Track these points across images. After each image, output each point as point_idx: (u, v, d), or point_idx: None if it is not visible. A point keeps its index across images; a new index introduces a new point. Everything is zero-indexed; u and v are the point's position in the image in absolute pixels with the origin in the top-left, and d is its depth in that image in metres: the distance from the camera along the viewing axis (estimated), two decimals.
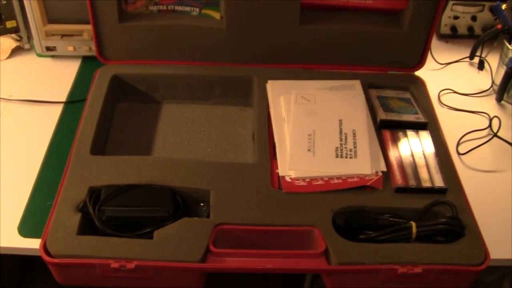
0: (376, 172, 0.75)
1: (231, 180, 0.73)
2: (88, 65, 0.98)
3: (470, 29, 1.10)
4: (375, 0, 0.89)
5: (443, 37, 1.12)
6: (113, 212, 0.67)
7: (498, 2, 0.98)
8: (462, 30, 1.10)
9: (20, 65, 0.99)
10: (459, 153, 0.86)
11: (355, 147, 0.77)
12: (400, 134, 0.81)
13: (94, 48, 0.90)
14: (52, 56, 1.00)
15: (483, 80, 1.01)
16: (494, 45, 1.02)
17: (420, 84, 0.91)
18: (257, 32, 0.88)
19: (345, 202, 0.71)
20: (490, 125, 0.91)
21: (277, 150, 0.77)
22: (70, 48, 0.97)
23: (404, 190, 0.73)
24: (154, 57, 0.90)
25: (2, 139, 0.84)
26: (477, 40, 0.97)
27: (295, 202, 0.71)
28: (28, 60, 1.00)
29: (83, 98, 0.87)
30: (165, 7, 0.89)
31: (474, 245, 0.68)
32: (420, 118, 0.84)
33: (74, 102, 0.91)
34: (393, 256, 0.66)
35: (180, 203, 0.70)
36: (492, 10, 1.04)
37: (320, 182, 0.73)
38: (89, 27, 0.88)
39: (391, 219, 0.70)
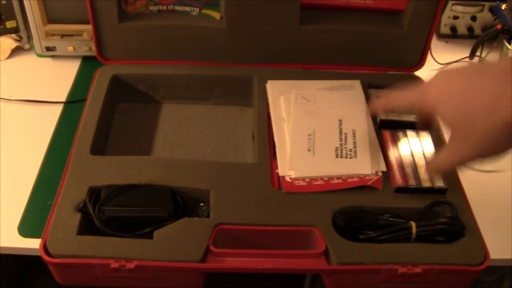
0: (376, 172, 0.75)
1: (231, 180, 0.73)
2: (88, 65, 0.98)
3: (470, 29, 1.10)
4: (375, 0, 0.89)
5: (443, 37, 1.12)
6: (113, 212, 0.67)
7: (498, 2, 0.98)
8: (462, 30, 1.10)
9: (20, 65, 0.99)
10: None
11: (355, 147, 0.77)
12: (400, 134, 0.81)
13: (94, 48, 0.90)
14: (52, 56, 1.00)
15: None
16: (494, 45, 1.02)
17: (420, 84, 0.91)
18: (257, 32, 0.88)
19: (345, 202, 0.71)
20: None
21: (277, 150, 0.77)
22: (70, 48, 0.97)
23: (404, 190, 0.73)
24: (154, 57, 0.90)
25: (2, 139, 0.84)
26: (477, 40, 0.97)
27: (295, 202, 0.71)
28: (28, 60, 1.00)
29: (83, 98, 0.87)
30: (165, 7, 0.89)
31: (474, 245, 0.68)
32: None
33: (74, 102, 0.91)
34: (393, 256, 0.66)
35: (180, 203, 0.70)
36: (492, 10, 1.04)
37: (320, 182, 0.74)
38: (89, 27, 0.88)
39: (391, 219, 0.70)
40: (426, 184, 0.74)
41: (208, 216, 0.69)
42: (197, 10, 0.89)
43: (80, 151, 0.75)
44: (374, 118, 0.83)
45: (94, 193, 0.70)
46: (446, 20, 1.09)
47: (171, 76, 0.89)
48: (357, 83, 0.88)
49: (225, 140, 0.85)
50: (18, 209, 0.74)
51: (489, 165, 0.85)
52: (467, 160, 0.57)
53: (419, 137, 0.81)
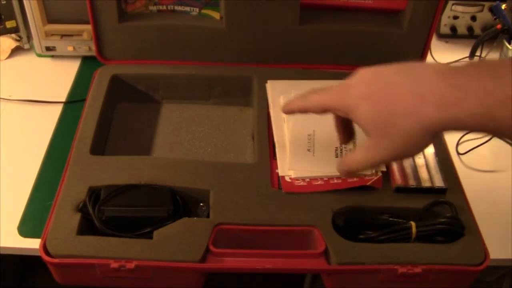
0: (376, 172, 0.75)
1: (231, 180, 0.73)
2: (88, 65, 0.98)
3: (470, 29, 1.10)
4: (375, 0, 0.89)
5: (443, 37, 1.12)
6: (112, 212, 0.67)
7: (498, 2, 0.98)
8: (461, 30, 1.10)
9: (20, 65, 0.99)
10: (459, 153, 0.86)
11: (354, 147, 0.77)
12: None
13: (94, 48, 0.90)
14: (52, 56, 1.00)
15: None
16: (494, 45, 1.02)
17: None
18: (257, 32, 0.88)
19: (345, 202, 0.71)
20: None
21: (276, 150, 0.77)
22: (70, 48, 0.97)
23: (404, 190, 0.73)
24: (154, 57, 0.90)
25: (2, 139, 0.84)
26: (477, 40, 0.97)
27: (295, 202, 0.71)
28: (27, 60, 1.00)
29: (83, 98, 0.87)
30: (164, 7, 0.89)
31: (474, 245, 0.68)
32: None
33: (74, 102, 0.91)
34: (393, 256, 0.66)
35: (180, 203, 0.70)
36: (492, 10, 1.04)
37: (319, 182, 0.74)
38: (88, 27, 0.88)
39: (390, 219, 0.70)
40: (426, 184, 0.74)
41: (208, 216, 0.69)
42: (197, 10, 0.89)
43: (80, 151, 0.75)
44: None
45: (94, 193, 0.70)
46: (446, 20, 1.09)
47: (170, 76, 0.89)
48: None
49: (225, 140, 0.85)
50: (18, 209, 0.74)
51: (489, 165, 0.85)
52: (381, 163, 0.57)
53: None
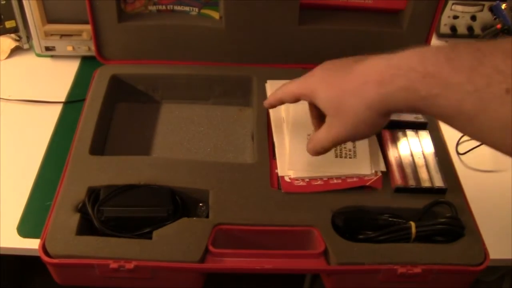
0: (376, 172, 0.75)
1: (230, 180, 0.73)
2: (88, 65, 0.98)
3: (470, 28, 1.09)
4: (375, 0, 0.89)
5: (443, 37, 1.12)
6: (112, 212, 0.67)
7: (498, 1, 0.98)
8: (461, 29, 1.10)
9: (19, 65, 0.99)
10: (458, 153, 0.86)
11: (354, 147, 0.77)
12: (400, 134, 0.81)
13: (93, 48, 0.90)
14: (52, 56, 1.00)
15: None
16: None
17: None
18: (256, 32, 0.88)
19: (345, 202, 0.71)
20: None
21: (276, 150, 0.77)
22: (69, 48, 0.97)
23: (404, 190, 0.73)
24: (154, 57, 0.90)
25: (1, 139, 0.84)
26: (477, 40, 0.97)
27: (294, 202, 0.71)
28: (27, 60, 1.00)
29: (82, 98, 0.87)
30: (164, 7, 0.89)
31: (473, 245, 0.68)
32: (420, 118, 0.84)
33: (73, 102, 0.91)
34: (393, 256, 0.66)
35: (179, 203, 0.70)
36: (492, 9, 1.04)
37: (319, 182, 0.73)
38: (88, 27, 0.88)
39: (390, 219, 0.70)
40: (426, 184, 0.74)
41: (207, 216, 0.69)
42: (197, 10, 0.89)
43: (79, 151, 0.75)
44: None
45: (93, 193, 0.70)
46: (446, 19, 1.09)
47: (170, 76, 0.89)
48: None
49: (225, 140, 0.85)
50: (17, 209, 0.74)
51: (489, 165, 0.85)
52: (341, 140, 0.62)
53: (418, 137, 0.81)
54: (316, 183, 0.73)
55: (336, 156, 0.76)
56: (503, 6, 0.98)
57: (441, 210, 0.71)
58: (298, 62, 0.92)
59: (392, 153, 0.78)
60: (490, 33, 0.96)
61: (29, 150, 0.83)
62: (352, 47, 0.91)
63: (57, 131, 0.86)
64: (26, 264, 1.36)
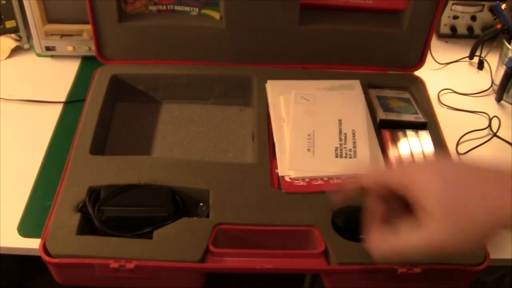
0: None
1: (231, 180, 0.73)
2: (88, 65, 0.98)
3: (470, 29, 1.10)
4: (375, 0, 0.89)
5: (443, 37, 1.12)
6: (112, 212, 0.67)
7: (498, 2, 0.98)
8: (461, 30, 1.10)
9: (20, 65, 0.99)
10: (458, 153, 0.86)
11: (354, 147, 0.77)
12: (400, 134, 0.81)
13: (93, 48, 0.90)
14: (52, 56, 1.00)
15: (482, 80, 1.01)
16: (494, 45, 1.02)
17: (419, 84, 0.91)
18: (256, 32, 0.88)
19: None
20: (489, 125, 0.91)
21: (276, 150, 0.77)
22: (70, 48, 0.97)
23: None
24: (154, 57, 0.90)
25: (1, 139, 0.84)
26: (477, 40, 0.97)
27: (295, 202, 0.71)
28: (27, 60, 1.00)
29: (82, 98, 0.87)
30: (164, 7, 0.89)
31: None
32: (420, 118, 0.84)
33: (73, 102, 0.91)
34: None
35: (180, 203, 0.70)
36: (492, 10, 1.04)
37: (319, 182, 0.73)
38: (88, 27, 0.88)
39: None
40: None
41: (207, 216, 0.69)
42: (197, 10, 0.89)
43: (80, 151, 0.75)
44: (374, 118, 0.83)
45: (94, 193, 0.70)
46: (446, 20, 1.09)
47: (170, 76, 0.89)
48: (357, 83, 0.88)
49: (225, 140, 0.85)
50: (18, 209, 0.74)
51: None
52: (435, 251, 0.49)
53: (418, 137, 0.81)
54: (316, 183, 0.73)
55: (337, 156, 0.76)
56: (503, 6, 0.98)
57: None
58: (298, 62, 0.92)
59: (392, 153, 0.78)
60: (490, 33, 0.96)
61: (29, 150, 0.83)
62: (352, 47, 0.91)
63: (58, 131, 0.86)
64: (26, 264, 1.36)
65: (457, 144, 0.87)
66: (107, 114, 0.85)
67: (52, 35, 0.96)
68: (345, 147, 0.77)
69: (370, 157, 0.76)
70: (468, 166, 0.50)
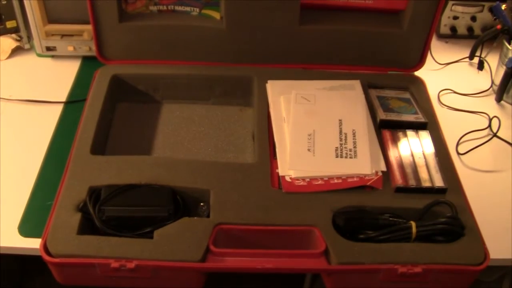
0: (376, 172, 0.75)
1: (231, 180, 0.73)
2: (88, 65, 0.98)
3: (470, 29, 1.10)
4: (375, 0, 0.90)
5: (443, 37, 1.12)
6: (113, 211, 0.68)
7: (498, 2, 0.98)
8: (461, 30, 1.10)
9: (20, 65, 0.99)
10: (458, 153, 0.86)
11: (355, 147, 0.77)
12: (400, 134, 0.81)
13: (94, 48, 0.90)
14: (52, 56, 1.00)
15: (482, 80, 1.01)
16: (494, 45, 1.02)
17: (419, 84, 0.91)
18: (257, 32, 0.88)
19: (345, 202, 0.71)
20: (489, 125, 0.91)
21: (277, 150, 0.77)
22: (70, 48, 0.97)
23: (404, 190, 0.73)
24: (154, 57, 0.90)
25: (2, 139, 0.84)
26: (477, 40, 0.97)
27: (295, 202, 0.71)
28: (28, 60, 1.00)
29: (83, 98, 0.87)
30: (165, 7, 0.89)
31: (473, 245, 0.68)
32: (420, 118, 0.84)
33: (74, 102, 0.91)
34: (393, 256, 0.66)
35: (180, 203, 0.71)
36: (492, 10, 1.04)
37: (320, 182, 0.74)
38: (89, 27, 0.88)
39: (391, 219, 0.70)
40: (426, 184, 0.74)
41: (208, 216, 0.69)
42: (197, 10, 0.89)
43: (80, 151, 0.75)
44: (374, 118, 0.83)
45: (94, 193, 0.70)
46: (446, 20, 1.09)
47: (171, 76, 0.89)
48: (357, 83, 0.88)
49: (225, 140, 0.85)
50: (19, 209, 0.74)
51: (489, 165, 0.85)
52: None
53: (419, 137, 0.81)
54: (316, 183, 0.73)
55: (337, 156, 0.76)
56: (503, 6, 0.98)
57: (441, 210, 0.72)
58: (298, 62, 0.92)
59: (392, 153, 0.78)
60: (490, 33, 0.96)
61: (30, 150, 0.83)
62: (352, 47, 0.91)
63: (58, 131, 0.86)
64: (26, 264, 1.36)
65: (457, 144, 0.88)
66: (108, 114, 0.85)
67: (52, 35, 0.96)
68: (345, 147, 0.77)
69: (371, 157, 0.76)
70: None
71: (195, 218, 0.69)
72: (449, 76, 1.02)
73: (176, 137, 0.85)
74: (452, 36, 1.11)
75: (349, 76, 0.90)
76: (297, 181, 0.73)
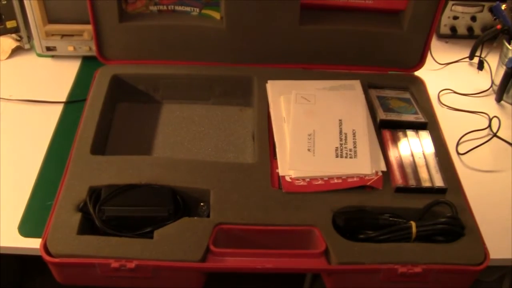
0: (376, 172, 0.75)
1: (231, 180, 0.73)
2: (88, 65, 0.98)
3: (470, 29, 1.10)
4: (375, 0, 0.90)
5: (443, 37, 1.12)
6: (113, 211, 0.68)
7: (498, 2, 0.98)
8: (461, 30, 1.10)
9: (20, 65, 0.99)
10: (458, 153, 0.86)
11: (355, 147, 0.77)
12: (400, 134, 0.81)
13: (94, 48, 0.90)
14: (52, 56, 1.00)
15: (482, 80, 1.01)
16: (494, 45, 1.02)
17: (420, 84, 0.91)
18: (257, 32, 0.88)
19: (345, 202, 0.71)
20: (489, 125, 0.91)
21: (277, 150, 0.77)
22: (70, 48, 0.97)
23: (404, 190, 0.74)
24: (154, 57, 0.90)
25: (2, 139, 0.84)
26: (477, 40, 0.97)
27: (295, 202, 0.71)
28: (28, 60, 1.00)
29: (83, 98, 0.87)
30: (165, 7, 0.89)
31: (473, 245, 0.68)
32: (420, 118, 0.84)
33: (74, 102, 0.91)
34: (393, 256, 0.66)
35: (180, 203, 0.71)
36: (492, 10, 1.04)
37: (320, 182, 0.74)
38: (89, 27, 0.88)
39: (391, 219, 0.70)
40: (426, 184, 0.74)
41: (208, 216, 0.69)
42: (197, 10, 0.89)
43: (80, 151, 0.76)
44: (374, 118, 0.83)
45: (94, 193, 0.70)
46: (446, 20, 1.09)
47: (171, 76, 0.89)
48: (357, 83, 0.88)
49: (225, 140, 0.85)
50: (19, 209, 0.74)
51: (489, 165, 0.85)
52: None
53: (419, 137, 0.81)
54: (317, 183, 0.73)
55: (337, 156, 0.76)
56: (503, 6, 0.98)
57: (441, 210, 0.72)
58: (298, 62, 0.92)
59: (392, 153, 0.78)
60: (490, 33, 0.96)
61: (30, 150, 0.83)
62: (352, 47, 0.91)
63: (58, 131, 0.86)
64: (26, 264, 1.36)
65: (457, 144, 0.88)
66: (108, 114, 0.86)
67: (52, 35, 0.96)
68: (345, 147, 0.77)
69: (371, 157, 0.76)
70: None
71: (195, 218, 0.69)
72: (449, 76, 1.02)
73: (176, 137, 0.85)
74: (452, 36, 1.11)
75: (349, 76, 0.90)
76: (297, 181, 0.73)
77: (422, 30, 0.89)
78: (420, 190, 0.74)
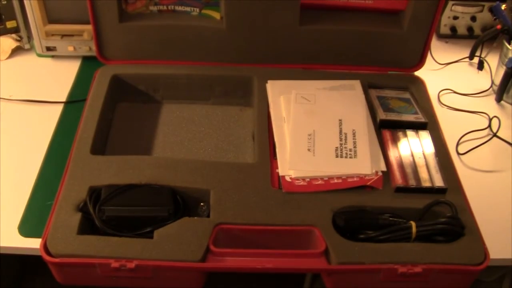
0: (376, 172, 0.75)
1: (231, 180, 0.73)
2: (88, 65, 0.98)
3: (470, 29, 1.10)
4: (375, 0, 0.90)
5: (443, 37, 1.12)
6: (113, 211, 0.68)
7: (498, 2, 0.98)
8: (461, 30, 1.10)
9: (20, 65, 0.99)
10: (458, 153, 0.86)
11: (355, 147, 0.77)
12: (400, 134, 0.81)
13: (94, 48, 0.90)
14: (52, 56, 1.00)
15: (482, 80, 1.01)
16: (494, 45, 1.02)
17: (419, 84, 0.91)
18: (257, 32, 0.88)
19: (345, 202, 0.71)
20: (489, 125, 0.91)
21: (277, 150, 0.77)
22: (70, 48, 0.98)
23: (404, 190, 0.74)
24: (154, 57, 0.90)
25: (2, 139, 0.84)
26: (477, 40, 0.97)
27: (295, 202, 0.71)
28: (28, 60, 1.00)
29: (83, 98, 0.87)
30: (165, 7, 0.89)
31: (473, 245, 0.68)
32: (420, 118, 0.84)
33: (74, 102, 0.91)
34: (393, 256, 0.66)
35: (180, 203, 0.71)
36: (492, 10, 1.04)
37: (320, 182, 0.74)
38: (89, 27, 0.88)
39: (391, 218, 0.70)
40: (426, 184, 0.74)
41: (208, 216, 0.69)
42: (197, 10, 0.89)
43: (80, 151, 0.76)
44: (374, 118, 0.83)
45: (94, 193, 0.70)
46: (446, 20, 1.09)
47: (171, 76, 0.89)
48: (357, 83, 0.88)
49: (225, 140, 0.85)
50: (19, 209, 0.74)
51: (489, 165, 0.85)
52: None
53: (419, 137, 0.81)
54: (317, 183, 0.73)
55: (337, 156, 0.76)
56: (503, 6, 0.98)
57: (441, 210, 0.72)
58: (298, 62, 0.92)
59: (392, 153, 0.78)
60: (490, 33, 0.96)
61: (30, 150, 0.83)
62: (352, 47, 0.91)
63: (58, 131, 0.86)
64: (26, 264, 1.36)
65: (457, 144, 0.88)
66: (108, 114, 0.86)
67: (52, 35, 0.96)
68: (345, 147, 0.77)
69: (371, 157, 0.76)
70: None
71: (195, 218, 0.69)
72: (449, 76, 1.02)
73: (176, 137, 0.85)
74: (452, 36, 1.11)
75: (349, 76, 0.90)
76: (297, 181, 0.73)
77: (422, 30, 0.89)
78: (420, 190, 0.74)
